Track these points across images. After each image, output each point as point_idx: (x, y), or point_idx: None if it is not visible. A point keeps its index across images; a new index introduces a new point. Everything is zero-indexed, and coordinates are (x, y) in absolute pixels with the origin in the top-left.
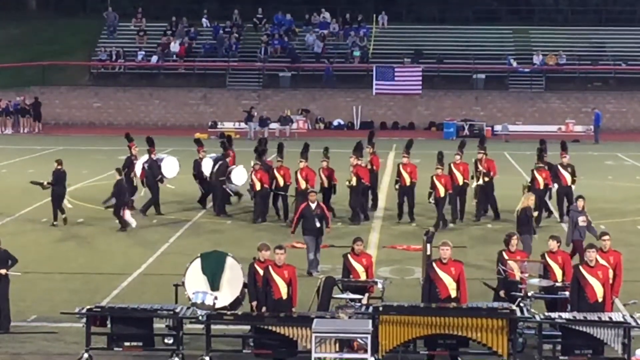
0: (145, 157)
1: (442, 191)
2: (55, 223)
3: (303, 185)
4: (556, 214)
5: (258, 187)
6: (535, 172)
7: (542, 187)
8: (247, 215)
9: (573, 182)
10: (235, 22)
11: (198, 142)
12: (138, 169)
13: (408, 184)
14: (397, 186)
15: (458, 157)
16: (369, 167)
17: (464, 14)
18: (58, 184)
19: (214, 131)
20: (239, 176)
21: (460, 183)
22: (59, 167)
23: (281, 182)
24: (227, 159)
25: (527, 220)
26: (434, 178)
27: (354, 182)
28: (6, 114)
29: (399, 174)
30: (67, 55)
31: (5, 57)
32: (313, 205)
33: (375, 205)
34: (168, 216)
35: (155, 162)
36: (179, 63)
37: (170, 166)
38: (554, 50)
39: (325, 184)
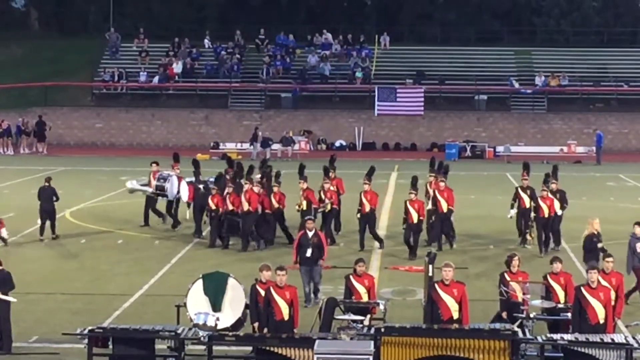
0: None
1: (414, 217)
2: (41, 238)
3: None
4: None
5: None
6: (539, 199)
7: (546, 215)
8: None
9: (562, 208)
10: (238, 42)
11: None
12: (184, 190)
13: (368, 210)
14: (358, 215)
15: (413, 195)
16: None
17: (466, 35)
18: (44, 201)
19: (216, 152)
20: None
21: (445, 210)
22: (46, 184)
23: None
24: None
25: (591, 247)
26: (407, 204)
27: (304, 206)
28: (7, 135)
29: (360, 202)
30: (70, 76)
31: (8, 78)
32: (310, 234)
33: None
34: (170, 238)
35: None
36: (181, 84)
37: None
38: (556, 71)
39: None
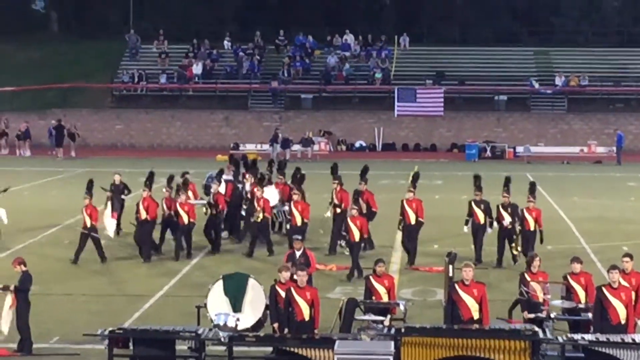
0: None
1: (412, 218)
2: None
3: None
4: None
5: (143, 216)
6: (525, 211)
7: (532, 228)
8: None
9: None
10: (257, 44)
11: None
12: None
13: (339, 211)
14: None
15: (411, 193)
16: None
17: (486, 36)
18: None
19: (236, 153)
20: (269, 196)
21: (413, 222)
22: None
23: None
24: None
25: None
26: (404, 203)
27: (260, 216)
28: (25, 137)
29: (335, 205)
30: (89, 78)
31: (27, 80)
32: (298, 254)
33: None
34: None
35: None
36: (201, 85)
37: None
38: (575, 71)
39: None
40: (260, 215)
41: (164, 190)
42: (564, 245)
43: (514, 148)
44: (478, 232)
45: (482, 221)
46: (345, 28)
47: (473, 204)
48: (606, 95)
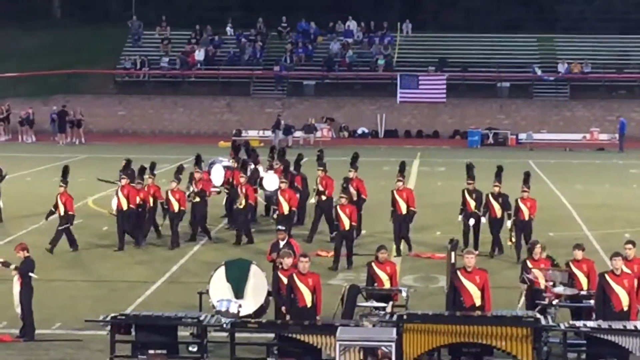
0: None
1: (403, 207)
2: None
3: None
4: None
5: (124, 206)
6: (519, 201)
7: (526, 217)
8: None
9: (509, 216)
10: (260, 30)
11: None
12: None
13: (324, 198)
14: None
15: (400, 183)
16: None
17: (489, 23)
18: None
19: (239, 139)
20: (271, 182)
21: (404, 212)
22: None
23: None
24: (256, 166)
25: None
26: (394, 193)
27: (243, 202)
28: (28, 123)
29: (319, 192)
30: (92, 64)
31: (31, 66)
32: (281, 244)
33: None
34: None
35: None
36: (203, 71)
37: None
38: (578, 58)
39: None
40: (243, 202)
41: (146, 177)
42: (566, 233)
43: (517, 135)
44: (471, 221)
45: (474, 210)
46: (348, 14)
47: (466, 193)
48: (609, 82)
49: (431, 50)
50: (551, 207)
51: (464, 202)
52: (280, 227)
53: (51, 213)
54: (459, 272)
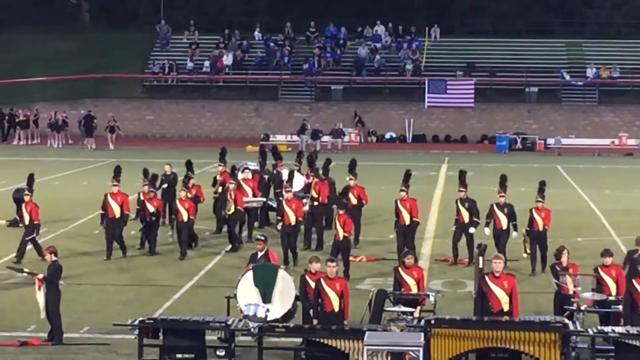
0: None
1: (406, 218)
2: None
3: (354, 201)
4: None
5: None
6: (533, 211)
7: (540, 228)
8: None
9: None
10: (288, 35)
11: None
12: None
13: (316, 204)
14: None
15: (404, 193)
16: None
17: (517, 27)
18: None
19: (267, 144)
20: (298, 183)
21: (407, 222)
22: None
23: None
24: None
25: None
26: (398, 203)
27: (232, 208)
28: (61, 127)
29: (312, 198)
30: (120, 68)
31: (59, 70)
32: (259, 255)
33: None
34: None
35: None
36: (231, 76)
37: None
38: (607, 63)
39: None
40: (232, 208)
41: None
42: (594, 238)
43: (545, 140)
44: (462, 231)
45: (466, 220)
46: (376, 19)
47: (458, 202)
48: (637, 86)
49: (459, 54)
50: (580, 213)
51: (458, 212)
52: (259, 236)
53: (102, 216)
54: (487, 277)
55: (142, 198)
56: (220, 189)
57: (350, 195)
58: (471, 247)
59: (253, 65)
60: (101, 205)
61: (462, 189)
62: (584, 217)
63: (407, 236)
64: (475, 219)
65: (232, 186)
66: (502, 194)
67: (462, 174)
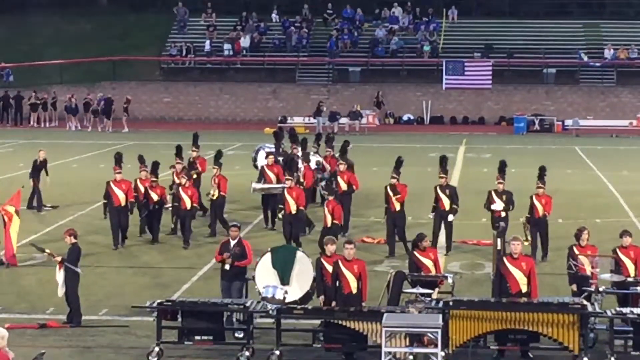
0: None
1: (397, 205)
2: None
3: (344, 187)
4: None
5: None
6: (534, 198)
7: (540, 215)
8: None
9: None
10: (305, 17)
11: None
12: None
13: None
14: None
15: (394, 180)
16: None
17: (535, 8)
18: None
19: (284, 126)
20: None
21: (397, 209)
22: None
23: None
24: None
25: None
26: (388, 189)
27: (216, 193)
28: (68, 111)
29: (298, 182)
30: (138, 51)
31: (77, 53)
32: (232, 243)
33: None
34: (240, 212)
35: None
36: (249, 58)
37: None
38: (625, 44)
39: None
40: (216, 193)
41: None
42: (612, 219)
43: (563, 121)
44: (442, 219)
45: (447, 207)
46: (393, 1)
47: (438, 189)
48: None
49: (477, 36)
50: (598, 194)
51: (437, 199)
52: (234, 223)
53: (104, 205)
54: (505, 259)
55: (139, 185)
56: (195, 175)
57: (340, 181)
58: (450, 235)
59: (270, 47)
60: (104, 195)
61: (442, 175)
62: (602, 198)
63: (397, 224)
64: (455, 206)
65: (215, 171)
66: (501, 181)
67: (442, 159)
